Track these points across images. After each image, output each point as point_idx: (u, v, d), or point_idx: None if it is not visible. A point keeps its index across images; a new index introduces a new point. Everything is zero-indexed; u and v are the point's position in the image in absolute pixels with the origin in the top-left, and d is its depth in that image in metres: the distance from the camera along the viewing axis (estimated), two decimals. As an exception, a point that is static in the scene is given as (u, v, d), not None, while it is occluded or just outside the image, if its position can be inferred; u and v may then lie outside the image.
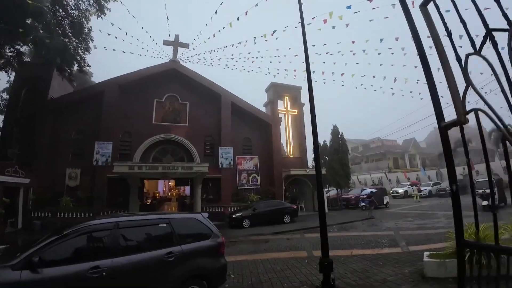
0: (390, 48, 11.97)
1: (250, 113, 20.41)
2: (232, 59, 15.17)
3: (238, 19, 8.90)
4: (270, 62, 13.76)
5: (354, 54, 12.11)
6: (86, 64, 15.12)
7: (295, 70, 13.07)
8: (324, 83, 15.34)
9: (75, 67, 14.82)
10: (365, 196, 19.14)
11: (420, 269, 5.44)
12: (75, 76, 23.63)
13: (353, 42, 11.27)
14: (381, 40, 10.70)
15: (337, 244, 8.72)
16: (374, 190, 24.63)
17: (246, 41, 12.32)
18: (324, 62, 10.17)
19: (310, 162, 24.32)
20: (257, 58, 13.86)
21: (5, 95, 20.14)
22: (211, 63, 18.35)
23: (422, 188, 26.93)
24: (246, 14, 8.68)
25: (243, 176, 19.44)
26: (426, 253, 5.41)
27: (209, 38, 11.99)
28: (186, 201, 20.29)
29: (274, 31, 9.92)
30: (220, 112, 19.26)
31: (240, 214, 14.19)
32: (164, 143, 17.92)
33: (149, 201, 21.14)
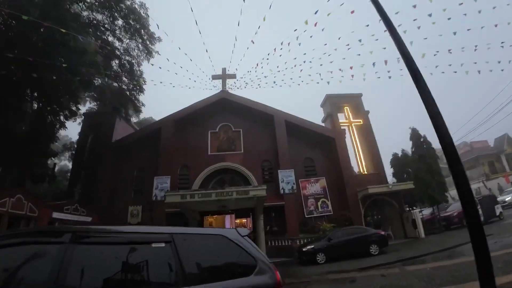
0: (465, 14, 8.90)
1: (307, 129, 18.37)
2: (278, 71, 13.89)
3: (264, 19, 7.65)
4: (321, 65, 11.83)
5: (419, 27, 9.24)
6: (141, 104, 16.08)
7: (351, 68, 10.83)
8: (390, 77, 12.60)
9: (132, 109, 15.86)
10: None
11: None
12: (140, 123, 26.18)
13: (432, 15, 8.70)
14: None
15: (469, 273, 5.38)
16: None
17: (289, 43, 11.03)
18: (385, 48, 7.82)
19: (390, 178, 20.05)
20: (304, 62, 12.29)
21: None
22: (258, 85, 17.63)
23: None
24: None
25: (310, 202, 16.76)
26: None
27: (253, 42, 10.77)
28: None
29: (316, 12, 8.26)
30: (275, 133, 17.81)
31: (312, 246, 11.49)
32: (221, 173, 17.17)
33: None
